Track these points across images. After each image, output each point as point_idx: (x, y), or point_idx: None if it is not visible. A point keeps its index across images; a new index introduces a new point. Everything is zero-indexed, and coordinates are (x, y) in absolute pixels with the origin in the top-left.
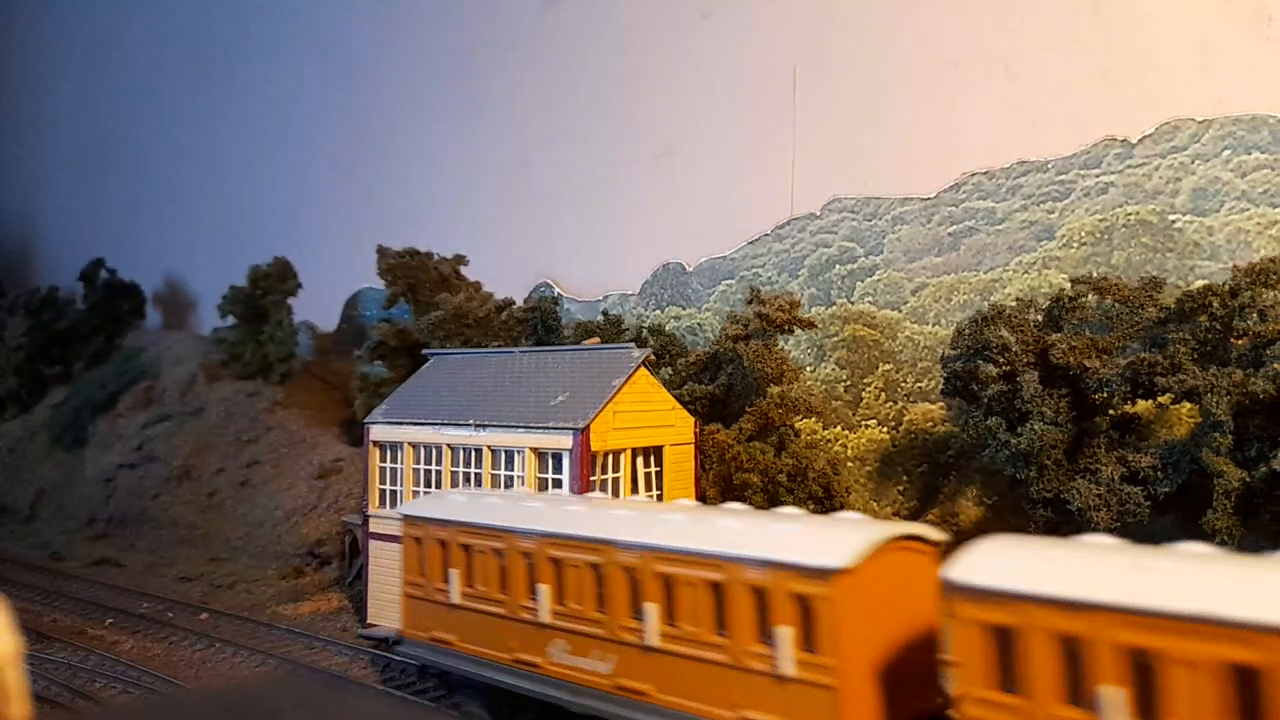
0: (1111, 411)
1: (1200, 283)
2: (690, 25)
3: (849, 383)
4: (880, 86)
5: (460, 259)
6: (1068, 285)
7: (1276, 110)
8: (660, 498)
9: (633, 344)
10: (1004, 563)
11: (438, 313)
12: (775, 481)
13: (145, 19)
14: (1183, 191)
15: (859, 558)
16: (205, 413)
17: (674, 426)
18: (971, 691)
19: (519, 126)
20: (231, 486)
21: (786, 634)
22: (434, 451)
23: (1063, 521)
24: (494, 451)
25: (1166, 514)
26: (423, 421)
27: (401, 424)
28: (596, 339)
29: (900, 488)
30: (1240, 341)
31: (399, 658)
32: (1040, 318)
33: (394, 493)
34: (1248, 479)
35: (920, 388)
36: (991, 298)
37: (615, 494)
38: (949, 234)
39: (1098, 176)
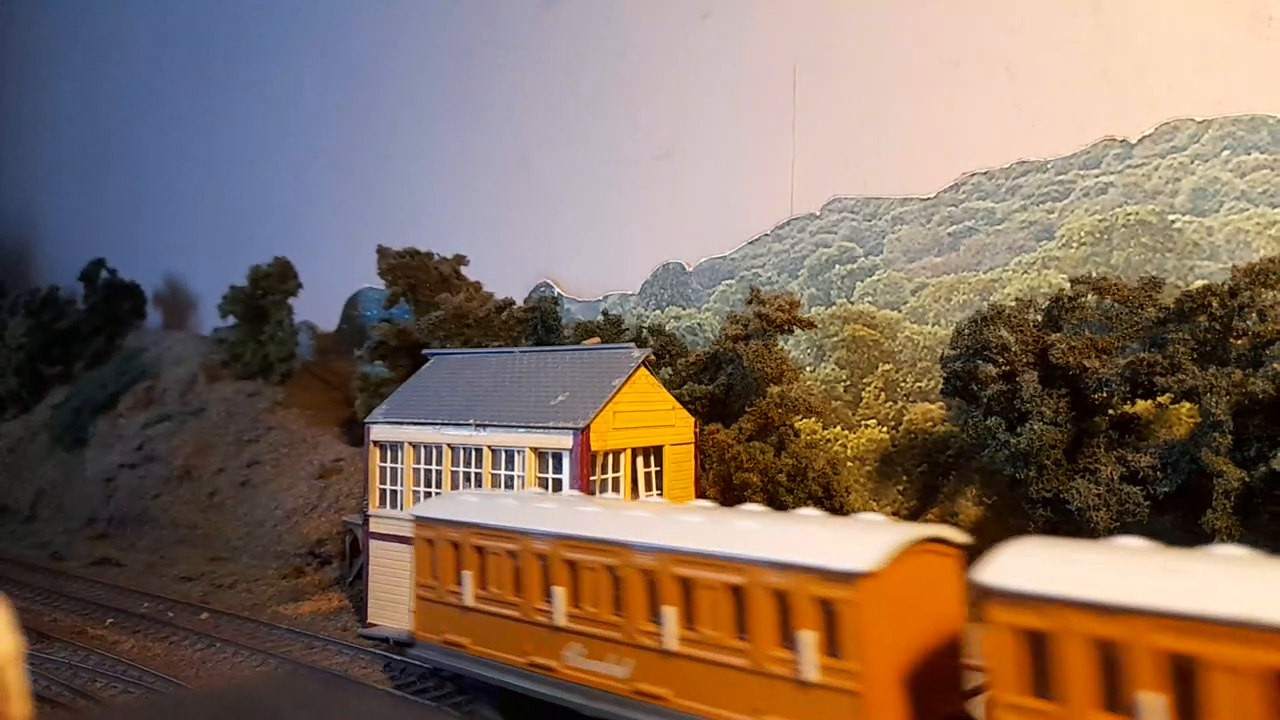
0: (1111, 411)
1: (1200, 283)
2: (690, 25)
3: (849, 383)
4: (880, 86)
5: (460, 259)
6: (1067, 285)
7: (1276, 110)
8: (661, 498)
9: (633, 344)
10: (1036, 566)
11: (438, 313)
12: (775, 481)
13: (145, 19)
14: (1182, 192)
15: (883, 560)
16: (206, 413)
17: (674, 426)
18: (1004, 697)
19: (519, 126)
20: (232, 486)
21: (809, 638)
22: (434, 451)
23: (1062, 521)
24: (494, 451)
25: (1166, 514)
26: (423, 421)
27: (402, 424)
28: (596, 339)
29: (900, 487)
30: (1239, 341)
31: (406, 659)
32: (1040, 318)
33: (394, 492)
34: (1247, 479)
35: (920, 388)
36: (991, 298)
37: (615, 494)
38: (949, 234)
39: (1097, 176)
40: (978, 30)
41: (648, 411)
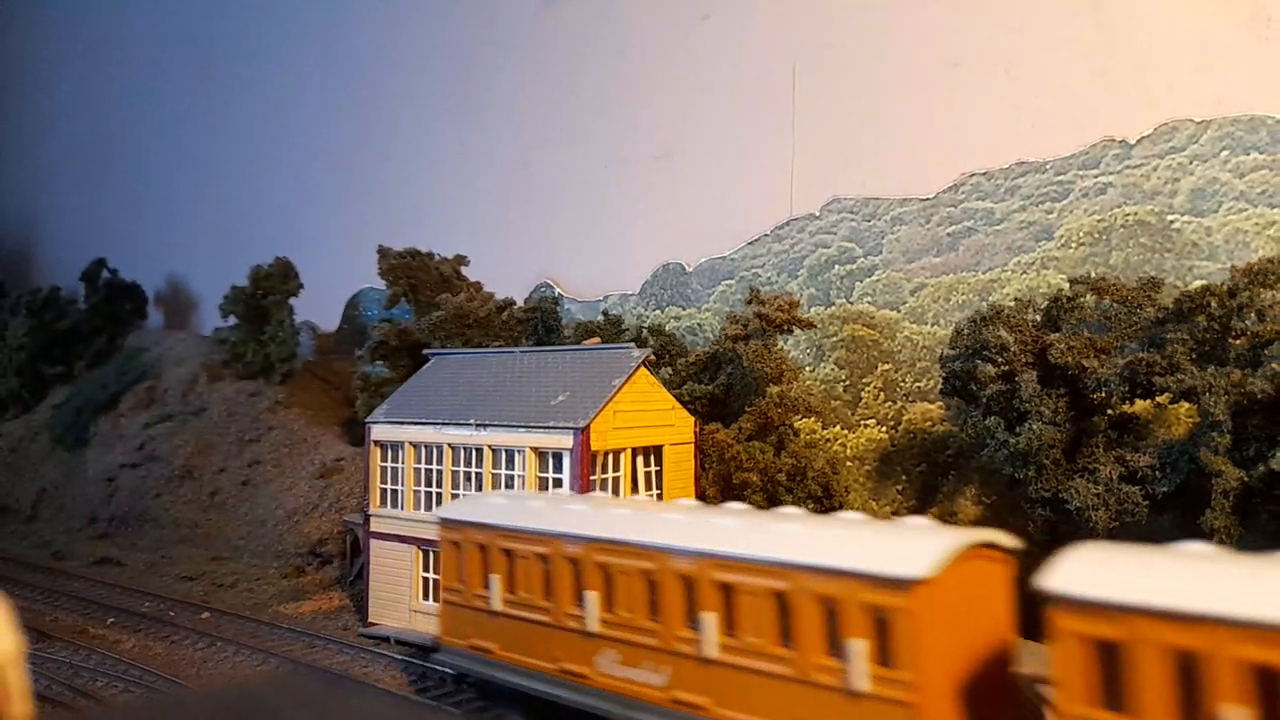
0: (1110, 411)
1: (1198, 283)
2: (690, 26)
3: (848, 382)
4: (880, 86)
5: (461, 259)
6: (1066, 285)
7: (1275, 111)
8: (660, 497)
9: (633, 344)
10: (1106, 572)
11: (438, 313)
12: (774, 481)
13: (145, 19)
14: (1181, 192)
15: (938, 567)
16: (207, 412)
17: (674, 426)
18: (1072, 709)
19: (519, 127)
20: (233, 486)
21: (860, 647)
22: (435, 451)
23: (1061, 521)
24: (494, 451)
25: (1165, 513)
26: (424, 421)
27: (402, 424)
28: (597, 339)
29: (899, 487)
30: (1238, 341)
31: (429, 663)
32: (1039, 318)
33: (395, 492)
34: (1246, 478)
35: (919, 387)
36: (990, 298)
37: (615, 493)
38: (948, 234)
39: (1096, 177)
40: (978, 30)
41: (648, 411)
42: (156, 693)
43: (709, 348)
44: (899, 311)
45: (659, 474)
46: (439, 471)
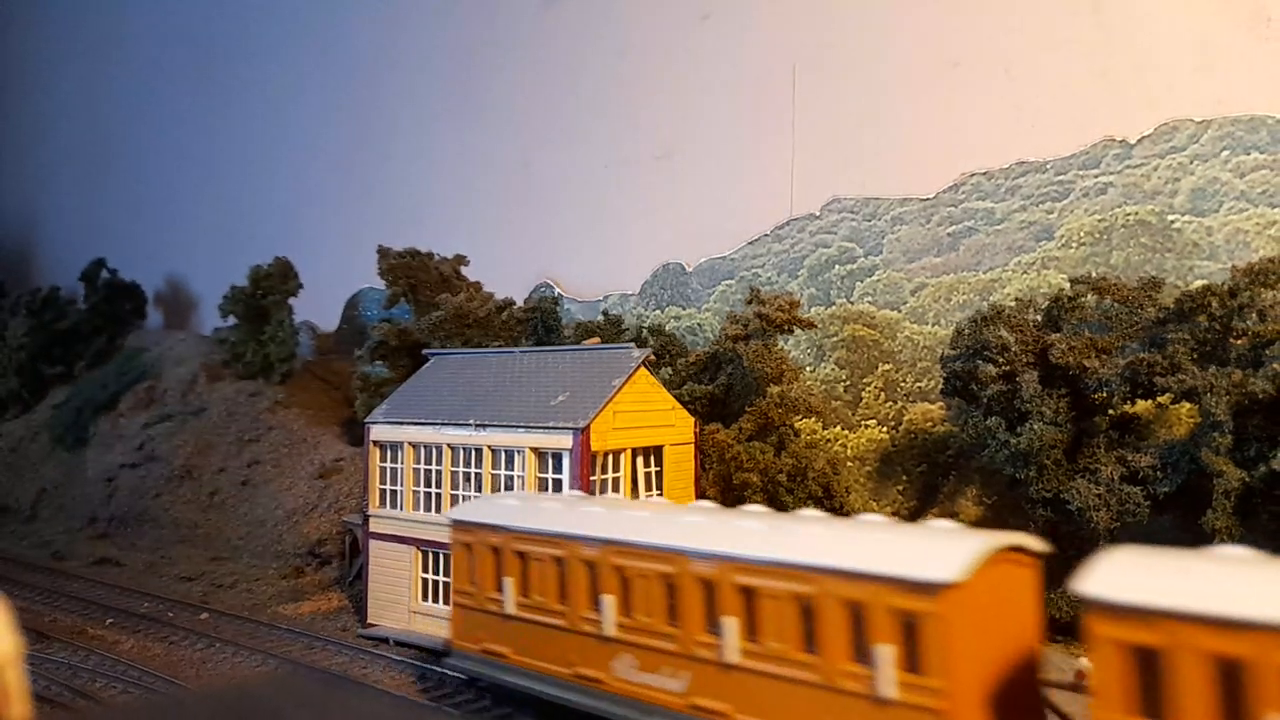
0: (1111, 411)
1: (1199, 283)
2: (690, 26)
3: (849, 383)
4: (880, 86)
5: (461, 259)
6: (1067, 285)
7: (1276, 110)
8: (660, 498)
9: (633, 344)
10: (1145, 576)
11: (438, 313)
12: (775, 481)
13: (145, 19)
14: (1182, 192)
15: (968, 570)
16: (206, 412)
17: (674, 426)
18: (1109, 718)
19: (519, 127)
20: (232, 486)
21: (887, 653)
22: (434, 451)
23: (1062, 521)
24: (494, 451)
25: (1166, 513)
26: (423, 421)
27: (402, 424)
28: (596, 339)
29: (900, 487)
30: (1239, 341)
31: (440, 668)
32: (1039, 318)
33: (394, 492)
34: (1247, 479)
35: (920, 388)
36: (991, 298)
37: (615, 494)
38: (948, 234)
39: (1097, 177)
40: (978, 30)
41: (648, 411)
42: (155, 693)
43: (709, 348)
44: (899, 311)
45: (659, 474)
46: (438, 472)
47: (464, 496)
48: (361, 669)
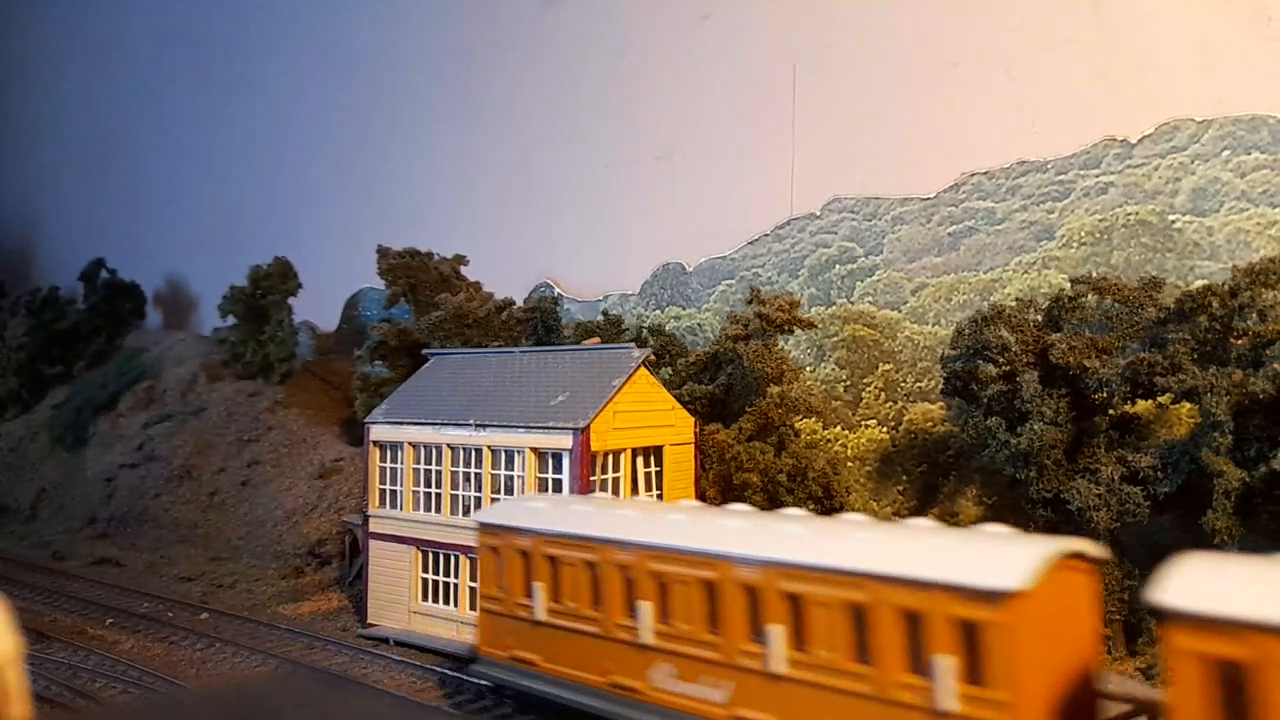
0: (1111, 411)
1: (1200, 283)
2: (690, 26)
3: (849, 383)
4: (880, 86)
5: (460, 259)
6: (1067, 285)
7: (1276, 110)
8: (660, 498)
9: (633, 344)
10: (1225, 585)
11: (438, 313)
12: (775, 481)
13: (145, 19)
14: (1182, 191)
15: (1033, 578)
16: (206, 412)
17: (674, 426)
18: None
19: (519, 127)
20: (232, 486)
21: (947, 664)
22: (434, 451)
23: (1062, 522)
24: (494, 451)
25: (1166, 514)
26: (423, 421)
27: (402, 424)
28: (596, 339)
29: (900, 488)
30: (1240, 341)
31: (465, 675)
32: (1040, 318)
33: (394, 493)
34: (1247, 479)
35: (920, 388)
36: (991, 298)
37: (615, 493)
38: (949, 234)
39: (1097, 176)
40: (978, 30)
41: (648, 411)
42: (155, 693)
43: (709, 348)
44: (900, 311)
45: (659, 475)
46: (438, 472)
47: (464, 497)
48: (361, 669)
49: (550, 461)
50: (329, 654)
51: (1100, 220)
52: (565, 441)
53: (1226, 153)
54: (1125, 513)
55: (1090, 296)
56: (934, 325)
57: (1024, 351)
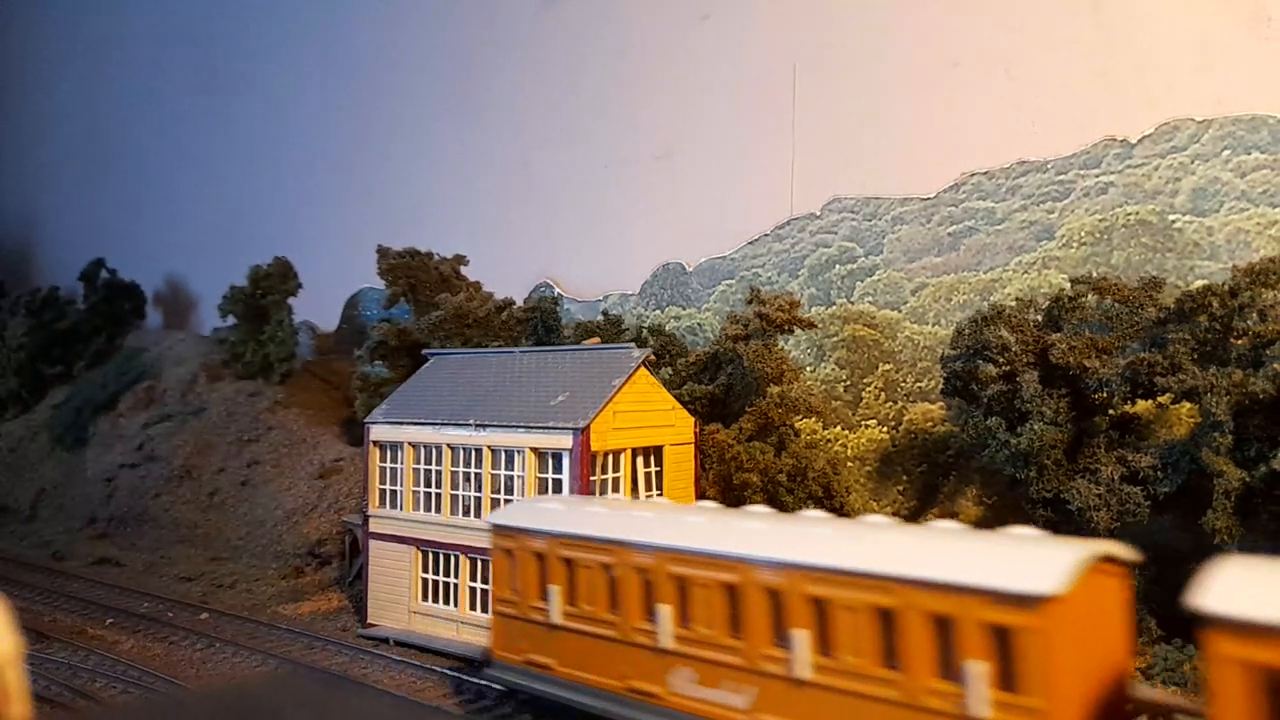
0: (1111, 411)
1: (1200, 283)
2: (690, 26)
3: (849, 383)
4: (880, 86)
5: (460, 259)
6: (1067, 285)
7: (1276, 110)
8: (660, 498)
9: (633, 344)
10: (1271, 590)
11: (438, 313)
12: (775, 481)
13: (145, 19)
14: (1182, 191)
15: (1068, 582)
16: (206, 412)
17: (674, 426)
18: None
19: (519, 127)
20: (232, 486)
21: (979, 670)
22: (434, 451)
23: (1062, 521)
24: (494, 451)
25: (1166, 514)
26: (423, 421)
27: (402, 424)
28: (596, 339)
29: (900, 487)
30: (1240, 341)
31: (479, 679)
32: (1040, 318)
33: (394, 493)
34: (1247, 479)
35: (920, 388)
36: (991, 298)
37: (615, 493)
38: (949, 234)
39: (1097, 176)
40: (978, 30)
41: (648, 411)
42: (155, 693)
43: (709, 348)
44: (900, 311)
45: (659, 475)
46: (438, 472)
47: (464, 497)
48: (361, 669)
49: (550, 461)
50: (329, 654)
51: (1100, 220)
52: (565, 441)
53: (1226, 153)
54: (1125, 513)
55: (1090, 296)
56: (934, 325)
57: (1024, 351)
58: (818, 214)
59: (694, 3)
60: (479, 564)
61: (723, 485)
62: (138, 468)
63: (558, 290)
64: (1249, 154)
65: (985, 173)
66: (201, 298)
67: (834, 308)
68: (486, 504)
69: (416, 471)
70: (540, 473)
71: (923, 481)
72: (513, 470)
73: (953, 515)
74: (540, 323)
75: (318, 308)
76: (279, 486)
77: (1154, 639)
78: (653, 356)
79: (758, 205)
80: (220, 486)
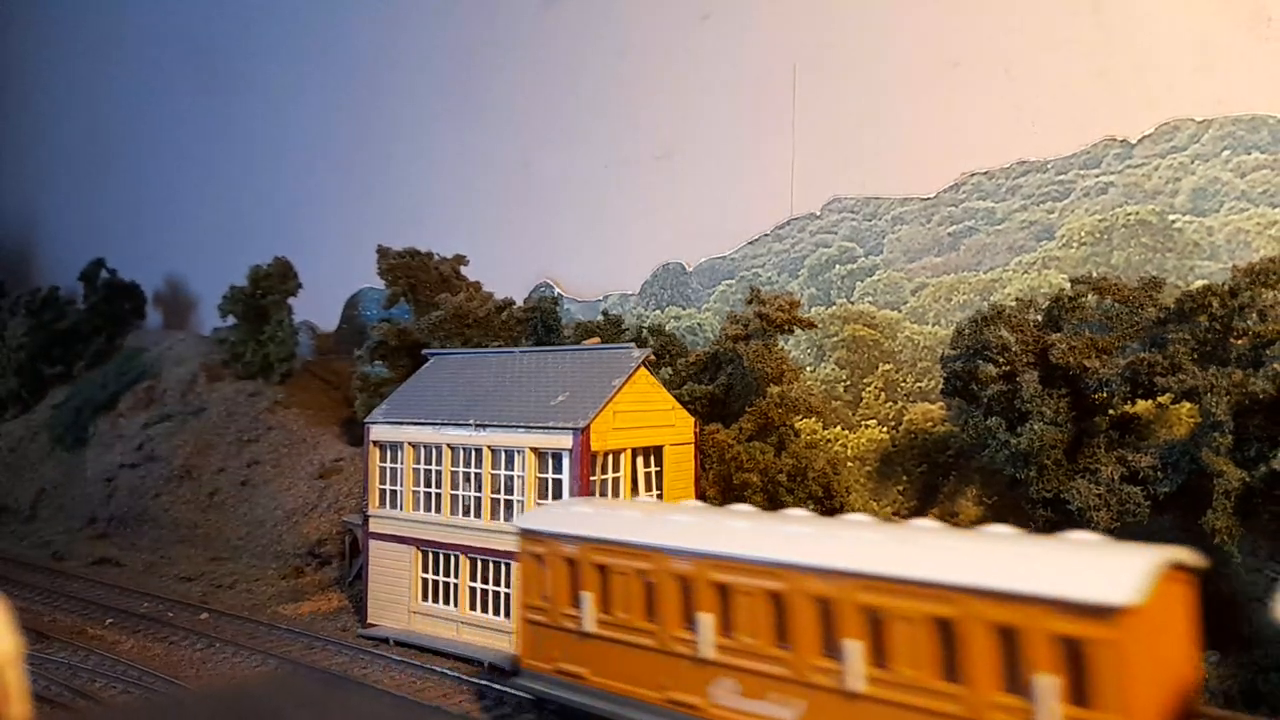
0: (1111, 411)
1: (1200, 283)
2: (690, 26)
3: (849, 383)
4: (880, 86)
5: (460, 259)
6: (1067, 285)
7: (1276, 110)
8: (660, 498)
9: (633, 344)
10: None
11: (438, 313)
12: (775, 481)
13: (145, 19)
14: (1182, 191)
15: (1143, 591)
16: (206, 412)
17: (674, 426)
18: None
19: (519, 127)
20: (232, 486)
21: (1050, 684)
22: (434, 451)
23: (1062, 522)
24: (494, 451)
25: (1166, 514)
26: (423, 421)
27: (402, 424)
28: (596, 339)
29: (900, 488)
30: (1240, 341)
31: (507, 687)
32: (1040, 318)
33: (394, 493)
34: (1247, 479)
35: (920, 388)
36: (991, 298)
37: (615, 494)
38: (949, 234)
39: (1097, 176)
40: (978, 30)
41: (648, 411)
42: (155, 693)
43: (709, 348)
44: (900, 311)
45: (659, 474)
46: (438, 472)
47: (464, 497)
48: (361, 669)
49: (550, 461)
50: (329, 654)
51: (1100, 220)
52: (565, 441)
53: (1226, 153)
54: (1125, 513)
55: (1090, 296)
56: (934, 325)
57: (1024, 351)
58: (818, 214)
59: (694, 3)
60: (479, 564)
61: (723, 485)
62: (138, 468)
63: (558, 290)
64: (1249, 154)
65: (985, 173)
66: (201, 298)
67: (834, 308)
68: (486, 504)
69: (416, 471)
70: (540, 473)
71: (923, 481)
72: (513, 470)
73: (953, 515)
74: (540, 323)
75: (318, 308)
76: (279, 486)
77: None
78: (653, 356)
79: (758, 205)
80: (220, 486)
